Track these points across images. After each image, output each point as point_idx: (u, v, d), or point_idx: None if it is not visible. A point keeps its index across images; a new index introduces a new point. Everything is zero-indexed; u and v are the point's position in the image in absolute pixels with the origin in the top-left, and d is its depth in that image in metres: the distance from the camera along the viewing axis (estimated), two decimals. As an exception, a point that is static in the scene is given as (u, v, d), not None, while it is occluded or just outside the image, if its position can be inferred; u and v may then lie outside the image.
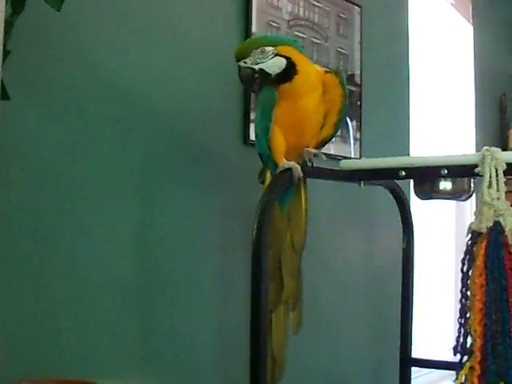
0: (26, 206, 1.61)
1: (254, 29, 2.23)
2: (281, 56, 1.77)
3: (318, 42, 2.56)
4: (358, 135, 2.75)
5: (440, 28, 3.89)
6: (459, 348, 1.65)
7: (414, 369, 2.29)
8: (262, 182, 1.93)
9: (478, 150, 1.80)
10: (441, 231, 3.92)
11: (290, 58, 1.77)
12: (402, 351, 2.22)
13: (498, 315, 1.58)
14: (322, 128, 1.89)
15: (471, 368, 1.60)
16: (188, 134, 2.04)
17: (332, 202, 2.62)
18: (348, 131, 2.69)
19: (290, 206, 1.91)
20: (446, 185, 1.86)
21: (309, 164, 1.84)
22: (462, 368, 1.62)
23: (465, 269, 1.66)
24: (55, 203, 1.67)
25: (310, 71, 1.82)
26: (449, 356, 1.84)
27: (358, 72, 2.77)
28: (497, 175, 1.64)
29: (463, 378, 1.62)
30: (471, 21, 4.07)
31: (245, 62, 1.77)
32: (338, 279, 2.68)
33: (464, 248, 1.67)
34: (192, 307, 2.02)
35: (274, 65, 1.77)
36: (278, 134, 1.83)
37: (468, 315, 1.63)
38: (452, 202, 3.65)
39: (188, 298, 2.00)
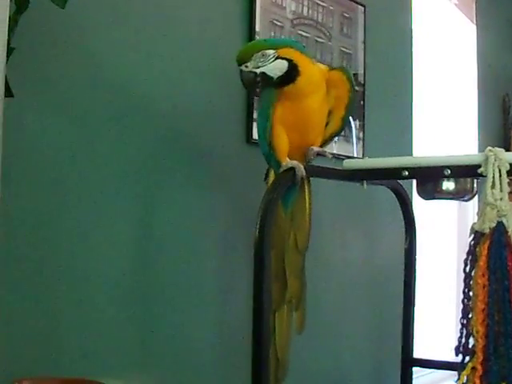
0: (26, 205, 1.61)
1: (257, 28, 2.23)
2: (282, 59, 1.76)
3: (322, 41, 2.56)
4: (361, 135, 2.75)
5: (443, 28, 3.89)
6: (461, 348, 1.65)
7: (415, 369, 2.29)
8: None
9: (480, 150, 1.80)
10: (443, 231, 3.91)
11: (291, 60, 1.77)
12: (404, 351, 2.22)
13: (500, 316, 1.58)
14: (327, 125, 1.89)
15: (473, 368, 1.60)
16: (190, 133, 2.04)
17: (334, 202, 2.62)
18: (351, 131, 2.69)
19: (294, 206, 1.91)
20: (448, 185, 1.86)
21: (310, 163, 1.84)
22: (463, 368, 1.62)
23: (467, 269, 1.66)
24: (55, 202, 1.67)
25: (312, 71, 1.82)
26: (450, 356, 1.83)
27: (361, 71, 2.77)
28: (500, 175, 1.64)
29: (465, 378, 1.62)
30: (475, 21, 4.06)
31: (246, 66, 1.76)
32: (339, 279, 2.68)
33: (467, 248, 1.67)
34: (193, 307, 2.02)
35: (276, 68, 1.76)
36: (281, 133, 1.83)
37: (470, 316, 1.63)
38: (454, 202, 3.65)
39: (189, 298, 2.00)
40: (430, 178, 1.87)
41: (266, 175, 1.94)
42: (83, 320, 1.71)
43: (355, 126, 2.72)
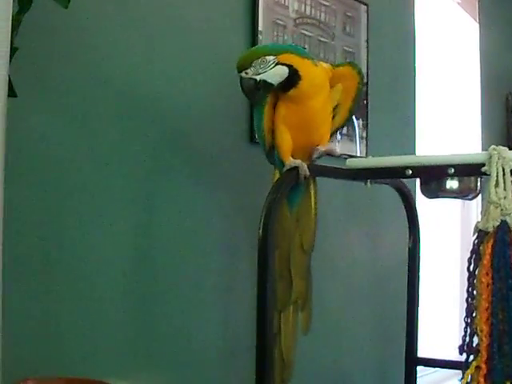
0: (28, 205, 1.61)
1: (260, 27, 2.23)
2: (282, 64, 1.76)
3: (325, 40, 2.56)
4: (364, 134, 2.75)
5: (446, 27, 3.89)
6: (465, 347, 1.65)
7: (419, 368, 2.29)
8: None
9: (484, 149, 1.80)
10: (447, 230, 3.91)
11: (291, 66, 1.76)
12: (408, 350, 2.22)
13: (504, 314, 1.58)
14: (333, 118, 1.91)
15: (477, 367, 1.60)
16: (193, 133, 2.04)
17: (338, 201, 2.62)
18: (354, 130, 2.69)
19: (300, 206, 1.92)
20: (452, 184, 1.85)
21: (314, 162, 1.84)
22: (468, 367, 1.62)
23: (471, 268, 1.65)
24: (57, 202, 1.67)
25: (314, 74, 1.81)
26: (455, 355, 1.83)
27: (364, 70, 2.76)
28: (504, 174, 1.64)
29: (469, 377, 1.62)
30: (477, 19, 4.05)
31: (246, 73, 1.76)
32: (343, 278, 2.68)
33: (470, 247, 1.67)
34: (197, 307, 2.02)
35: (276, 74, 1.76)
36: (284, 133, 1.83)
37: (474, 314, 1.63)
38: (458, 201, 3.65)
39: (193, 297, 2.00)
40: (433, 177, 1.87)
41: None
42: (87, 320, 1.71)
43: (358, 125, 2.72)
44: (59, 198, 1.68)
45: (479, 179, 1.87)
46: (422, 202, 2.32)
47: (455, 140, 3.91)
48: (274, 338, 1.75)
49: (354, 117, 2.55)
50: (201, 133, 2.06)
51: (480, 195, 1.91)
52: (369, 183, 1.93)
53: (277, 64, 1.75)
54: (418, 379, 2.28)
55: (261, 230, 1.65)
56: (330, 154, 1.89)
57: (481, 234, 1.65)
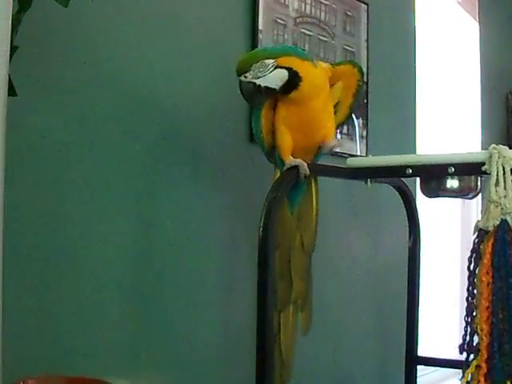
0: (29, 204, 1.61)
1: (260, 26, 2.23)
2: (281, 68, 1.76)
3: (325, 39, 2.56)
4: (364, 133, 2.75)
5: (446, 26, 3.89)
6: (465, 346, 1.65)
7: (419, 367, 2.29)
8: None
9: (484, 148, 1.79)
10: (447, 229, 3.91)
11: (291, 69, 1.76)
12: (408, 349, 2.22)
13: (504, 313, 1.58)
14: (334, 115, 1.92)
15: (477, 366, 1.60)
16: (193, 132, 2.04)
17: (338, 200, 2.62)
18: (354, 129, 2.69)
19: (301, 206, 1.92)
20: (452, 183, 1.85)
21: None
22: (468, 366, 1.62)
23: (471, 267, 1.65)
24: (58, 201, 1.67)
25: (314, 75, 1.81)
26: (455, 354, 1.83)
27: (364, 70, 2.76)
28: (504, 173, 1.64)
29: (469, 376, 1.62)
30: (477, 18, 4.06)
31: (245, 77, 1.76)
32: (343, 277, 2.68)
33: (471, 246, 1.67)
34: (197, 307, 2.01)
35: (276, 77, 1.76)
36: (285, 133, 1.83)
37: (474, 313, 1.63)
38: (458, 200, 3.65)
39: (193, 297, 2.00)
40: (433, 176, 1.87)
41: None
42: (87, 319, 1.71)
43: (358, 125, 2.72)
44: (60, 197, 1.68)
45: (479, 178, 1.87)
46: (422, 201, 2.32)
47: (455, 139, 3.92)
48: (273, 337, 1.75)
49: (354, 116, 2.56)
50: (201, 132, 2.06)
51: (480, 194, 1.91)
52: (369, 182, 1.93)
53: (276, 67, 1.75)
54: (418, 378, 2.28)
55: (261, 230, 1.65)
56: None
57: (481, 233, 1.65)
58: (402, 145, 3.05)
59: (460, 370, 1.65)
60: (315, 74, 1.81)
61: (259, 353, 1.65)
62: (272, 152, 1.89)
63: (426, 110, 3.42)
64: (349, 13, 2.70)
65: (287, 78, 1.76)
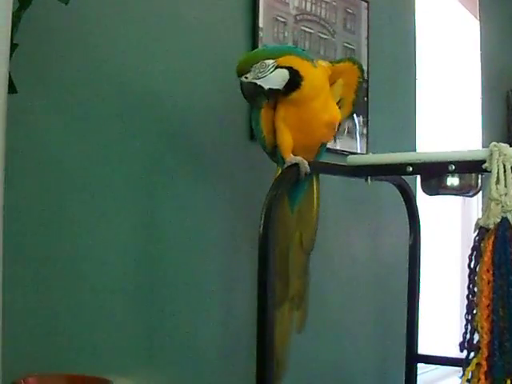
0: (30, 202, 1.60)
1: (261, 24, 2.23)
2: (282, 67, 1.75)
3: (325, 37, 2.55)
4: (364, 131, 2.75)
5: (447, 23, 3.88)
6: (466, 344, 1.65)
7: (419, 365, 2.29)
8: None
9: (484, 145, 1.79)
10: (447, 227, 3.91)
11: (291, 68, 1.76)
12: (408, 347, 2.22)
13: (505, 311, 1.58)
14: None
15: (478, 364, 1.60)
16: (194, 131, 2.04)
17: (338, 198, 2.62)
18: (355, 127, 2.68)
19: (301, 205, 1.91)
20: (453, 181, 1.85)
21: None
22: (468, 364, 1.62)
23: (472, 265, 1.65)
24: (58, 200, 1.67)
25: (314, 76, 1.81)
26: (455, 352, 1.83)
27: (364, 67, 2.75)
28: (505, 171, 1.64)
29: (470, 374, 1.61)
30: (478, 16, 4.05)
31: (246, 77, 1.76)
32: (343, 275, 2.67)
33: (471, 244, 1.67)
34: (197, 305, 2.01)
35: (278, 77, 1.76)
36: (285, 131, 1.83)
37: (475, 311, 1.63)
38: (459, 198, 3.64)
39: (193, 296, 2.00)
40: (434, 174, 1.87)
41: None
42: (88, 318, 1.71)
43: (359, 122, 2.71)
44: (61, 195, 1.67)
45: (480, 176, 1.87)
46: (422, 198, 2.32)
47: (456, 137, 3.91)
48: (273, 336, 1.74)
49: (354, 114, 2.56)
50: (201, 130, 2.06)
51: (481, 192, 1.91)
52: (369, 180, 1.93)
53: (276, 67, 1.75)
54: (418, 376, 2.28)
55: (261, 228, 1.65)
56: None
57: (481, 230, 1.65)
58: (403, 142, 3.05)
59: (460, 368, 1.64)
60: (315, 74, 1.81)
61: (259, 352, 1.65)
62: (274, 151, 1.89)
63: (426, 108, 3.42)
64: (349, 10, 2.70)
65: (288, 77, 1.75)
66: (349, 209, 2.71)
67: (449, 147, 3.53)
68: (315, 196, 1.92)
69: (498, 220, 1.61)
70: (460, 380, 1.63)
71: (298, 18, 2.41)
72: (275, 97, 1.82)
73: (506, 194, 1.62)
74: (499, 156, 1.65)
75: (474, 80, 4.05)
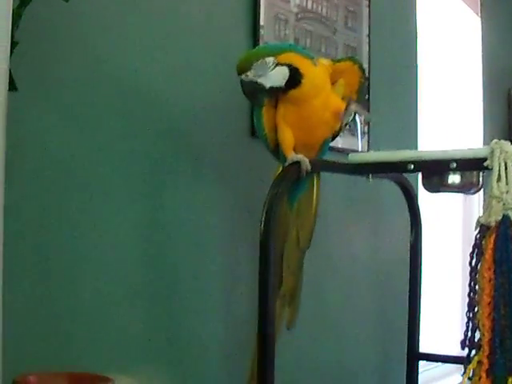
0: (30, 202, 1.60)
1: (262, 22, 2.22)
2: (282, 65, 1.75)
3: (326, 35, 2.55)
4: (366, 128, 2.75)
5: (448, 21, 3.88)
6: (467, 342, 1.65)
7: (421, 363, 2.29)
8: None
9: (486, 143, 1.79)
10: (448, 225, 3.91)
11: (291, 65, 1.75)
12: (410, 345, 2.22)
13: (506, 309, 1.57)
14: None
15: (479, 362, 1.60)
16: (194, 128, 2.04)
17: (339, 196, 2.62)
18: (356, 124, 2.68)
19: (300, 203, 1.91)
20: (454, 178, 1.85)
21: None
22: (469, 362, 1.62)
23: (473, 263, 1.65)
24: (59, 199, 1.67)
25: (314, 74, 1.80)
26: (456, 350, 1.83)
27: (366, 65, 2.76)
28: (506, 168, 1.64)
29: (471, 372, 1.61)
30: (479, 14, 4.05)
31: (246, 76, 1.75)
32: (345, 273, 2.67)
33: (472, 242, 1.67)
34: (199, 303, 2.01)
35: (278, 75, 1.75)
36: (286, 129, 1.83)
37: (476, 309, 1.63)
38: (460, 196, 3.65)
39: (195, 294, 2.00)
40: (435, 172, 1.86)
41: None
42: (89, 316, 1.71)
43: (360, 120, 2.71)
44: (61, 195, 1.67)
45: (481, 174, 1.87)
46: (423, 196, 2.32)
47: (457, 135, 3.91)
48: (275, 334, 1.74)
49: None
50: (201, 128, 2.06)
51: (482, 190, 1.91)
52: (371, 178, 1.93)
53: (277, 65, 1.74)
54: (419, 374, 2.29)
55: (262, 225, 1.65)
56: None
57: (483, 228, 1.64)
58: (404, 140, 3.05)
59: (462, 366, 1.64)
60: (315, 72, 1.80)
61: (260, 352, 1.65)
62: (277, 149, 1.89)
63: (427, 106, 3.42)
64: (350, 8, 2.70)
65: (288, 74, 1.75)
66: (350, 207, 2.71)
67: (450, 145, 3.54)
68: (315, 194, 1.92)
69: (500, 218, 1.61)
70: (461, 378, 1.63)
71: (299, 15, 2.41)
72: (276, 94, 1.82)
73: (507, 192, 1.62)
74: (500, 154, 1.64)
75: (476, 78, 4.05)
